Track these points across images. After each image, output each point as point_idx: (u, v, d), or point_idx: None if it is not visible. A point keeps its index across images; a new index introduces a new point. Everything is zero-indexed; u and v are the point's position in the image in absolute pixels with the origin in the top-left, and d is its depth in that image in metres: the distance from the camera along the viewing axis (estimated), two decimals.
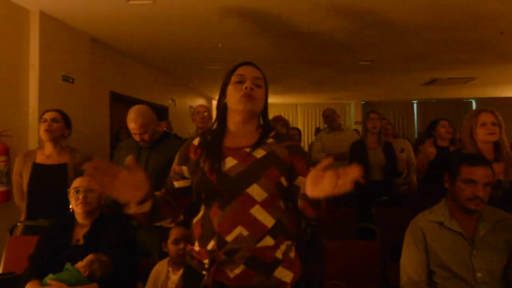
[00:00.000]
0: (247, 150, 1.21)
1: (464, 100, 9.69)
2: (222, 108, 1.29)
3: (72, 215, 1.86)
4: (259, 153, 1.20)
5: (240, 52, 4.51)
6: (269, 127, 1.29)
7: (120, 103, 4.51)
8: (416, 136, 9.45)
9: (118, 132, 4.46)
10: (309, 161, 1.26)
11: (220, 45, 4.27)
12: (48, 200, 2.21)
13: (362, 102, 10.04)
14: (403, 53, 4.77)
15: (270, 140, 1.25)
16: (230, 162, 1.19)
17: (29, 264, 1.73)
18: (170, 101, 6.26)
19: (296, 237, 1.23)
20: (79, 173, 2.13)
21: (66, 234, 1.80)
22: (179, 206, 1.28)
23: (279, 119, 3.48)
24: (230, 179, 1.16)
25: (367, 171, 3.08)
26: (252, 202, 1.15)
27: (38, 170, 2.24)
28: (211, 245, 1.16)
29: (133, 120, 2.23)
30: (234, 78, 1.25)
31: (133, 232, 1.96)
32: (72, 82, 3.53)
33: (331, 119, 4.06)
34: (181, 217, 1.86)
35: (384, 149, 3.19)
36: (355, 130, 5.33)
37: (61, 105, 3.14)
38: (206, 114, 3.22)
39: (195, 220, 1.25)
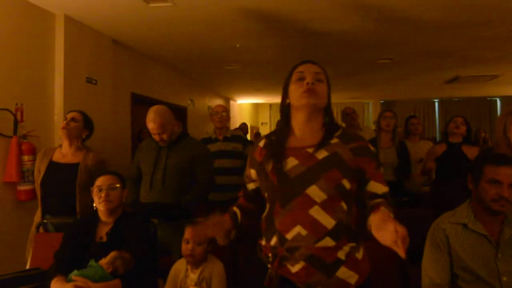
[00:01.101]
0: (310, 150, 1.21)
1: (488, 98, 9.41)
2: (286, 108, 1.30)
3: (95, 213, 1.90)
4: (321, 154, 1.19)
5: (258, 52, 4.53)
6: (334, 125, 1.28)
7: (141, 103, 4.60)
8: (437, 135, 9.24)
9: (141, 131, 4.55)
10: (378, 161, 1.24)
11: (238, 45, 4.30)
12: (57, 198, 2.26)
13: (381, 101, 9.89)
14: (424, 51, 4.68)
15: (334, 140, 1.22)
16: (291, 162, 1.20)
17: (54, 260, 1.78)
18: (188, 102, 6.34)
19: (363, 238, 1.22)
20: (93, 174, 2.18)
21: (90, 232, 1.84)
22: (257, 209, 1.36)
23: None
24: (291, 179, 1.18)
25: None
26: (311, 203, 1.16)
27: (52, 168, 2.29)
28: (273, 241, 1.20)
29: (152, 121, 2.28)
30: (294, 77, 1.26)
31: (153, 230, 2.00)
32: (95, 84, 3.63)
33: (350, 118, 3.98)
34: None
35: (397, 149, 3.10)
36: (375, 130, 5.23)
37: (84, 106, 3.24)
38: (224, 114, 3.24)
39: (262, 216, 1.30)
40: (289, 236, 1.16)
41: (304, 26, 3.66)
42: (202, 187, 2.37)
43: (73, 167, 2.27)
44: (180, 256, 1.97)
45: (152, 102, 4.47)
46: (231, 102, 9.06)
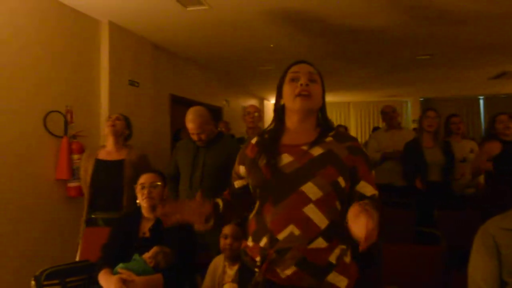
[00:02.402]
0: (304, 148, 1.19)
1: None
2: (280, 108, 1.29)
3: (139, 209, 2.00)
4: (316, 151, 1.18)
5: (292, 51, 4.52)
6: (328, 125, 1.27)
7: (179, 104, 4.74)
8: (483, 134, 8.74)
9: (179, 131, 4.66)
10: (371, 164, 1.23)
11: (272, 45, 4.32)
12: (106, 194, 2.39)
13: (421, 99, 9.50)
14: (467, 45, 4.46)
15: (329, 139, 1.22)
16: (286, 159, 1.18)
17: (102, 253, 1.88)
18: (224, 102, 6.45)
19: (352, 241, 1.20)
20: (137, 168, 2.30)
21: (134, 227, 1.93)
22: (241, 207, 1.34)
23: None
24: (285, 175, 1.15)
25: (425, 172, 2.93)
26: (306, 200, 1.12)
27: (100, 166, 2.43)
28: (263, 242, 1.15)
29: (191, 121, 2.35)
30: (288, 77, 1.25)
31: (192, 226, 2.07)
32: (137, 86, 3.79)
33: (390, 117, 3.85)
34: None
35: (442, 148, 2.99)
36: (416, 129, 5.05)
37: (128, 107, 3.41)
38: (256, 114, 3.27)
39: (250, 216, 1.26)
40: (280, 236, 1.12)
41: (338, 23, 3.61)
42: None
43: (119, 163, 2.41)
44: (218, 253, 2.03)
45: (190, 103, 4.59)
46: (265, 102, 9.08)
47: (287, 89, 1.24)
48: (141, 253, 1.79)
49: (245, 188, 1.32)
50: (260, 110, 3.36)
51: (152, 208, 1.95)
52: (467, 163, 3.19)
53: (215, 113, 5.79)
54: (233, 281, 1.85)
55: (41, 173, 2.80)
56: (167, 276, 1.73)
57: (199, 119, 2.34)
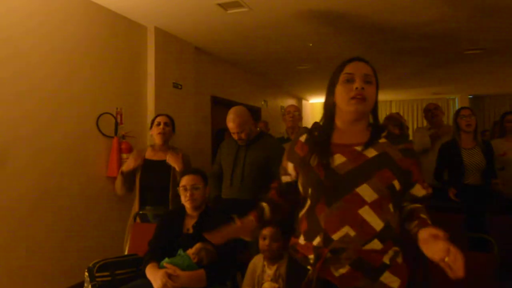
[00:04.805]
0: (358, 148, 1.16)
1: None
2: (331, 106, 1.25)
3: (183, 206, 2.06)
4: (371, 152, 1.15)
5: (331, 50, 4.46)
6: (380, 126, 1.24)
7: (220, 105, 4.84)
8: None
9: (224, 132, 4.72)
10: (421, 164, 1.22)
11: (311, 44, 4.29)
12: (154, 190, 2.51)
13: (470, 96, 8.97)
14: None
15: (382, 140, 1.19)
16: (339, 159, 1.15)
17: (148, 248, 1.97)
18: (262, 102, 6.49)
19: (403, 243, 1.18)
20: (184, 171, 2.39)
21: (179, 224, 2.00)
22: (288, 203, 1.34)
23: (391, 117, 3.31)
24: (340, 176, 1.13)
25: (462, 174, 2.76)
26: (361, 202, 1.10)
27: (148, 165, 2.55)
28: (317, 241, 1.14)
29: (231, 120, 2.39)
30: (342, 77, 1.19)
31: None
32: (181, 88, 3.93)
33: (432, 114, 3.65)
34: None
35: (483, 149, 2.79)
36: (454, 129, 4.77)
37: (172, 109, 3.54)
38: (296, 113, 3.28)
39: (300, 214, 1.24)
40: (335, 236, 1.10)
41: (378, 19, 3.52)
42: None
43: (165, 163, 2.52)
44: (257, 252, 2.06)
45: (230, 103, 4.67)
46: (304, 101, 9.02)
47: (341, 90, 1.19)
48: (185, 249, 1.85)
49: (292, 184, 1.30)
50: (299, 110, 3.37)
51: (195, 208, 2.01)
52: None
53: (254, 114, 5.85)
54: (272, 280, 1.87)
55: (94, 171, 3.00)
56: (209, 272, 1.78)
57: (239, 118, 2.38)
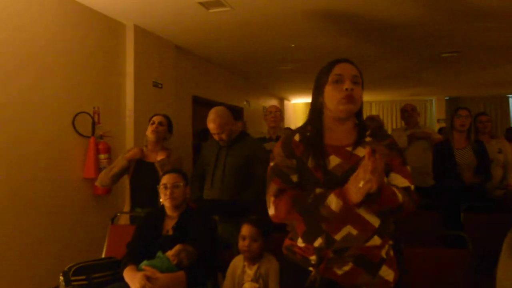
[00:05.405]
0: (349, 148, 1.20)
1: None
2: (319, 106, 1.26)
3: (162, 207, 2.04)
4: (361, 152, 1.18)
5: (312, 50, 4.50)
6: (365, 126, 1.28)
7: (201, 105, 4.81)
8: None
9: (206, 131, 4.66)
10: (405, 159, 1.24)
11: (293, 45, 4.32)
12: (145, 192, 2.45)
13: (447, 98, 9.23)
14: (495, 42, 4.32)
15: (368, 139, 1.23)
16: (334, 161, 1.18)
17: (127, 250, 1.93)
18: (244, 102, 6.49)
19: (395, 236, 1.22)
20: (167, 170, 2.35)
21: (158, 225, 1.97)
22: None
23: (374, 118, 3.39)
24: (338, 178, 1.15)
25: (455, 174, 2.83)
26: None
27: (140, 166, 2.50)
28: (318, 242, 1.15)
29: (212, 121, 2.38)
30: (332, 78, 1.22)
31: (214, 226, 2.10)
32: (161, 87, 3.87)
33: (408, 115, 3.73)
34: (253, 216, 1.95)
35: (474, 148, 2.87)
36: (447, 128, 4.87)
37: (152, 108, 3.49)
38: (278, 113, 3.33)
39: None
40: (338, 236, 1.13)
41: (358, 21, 3.57)
42: (259, 185, 2.43)
43: (156, 165, 2.45)
44: (239, 252, 2.05)
45: (211, 103, 4.63)
46: (286, 102, 9.07)
47: (330, 90, 1.21)
48: (164, 251, 1.82)
49: (299, 183, 1.24)
50: (281, 110, 3.40)
51: (175, 206, 1.99)
52: (495, 164, 3.08)
53: (236, 114, 5.84)
54: (252, 280, 1.86)
55: (70, 172, 2.92)
56: (189, 274, 1.76)
57: (219, 119, 2.37)
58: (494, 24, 3.68)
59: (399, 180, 1.19)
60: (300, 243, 1.20)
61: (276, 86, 7.46)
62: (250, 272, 1.88)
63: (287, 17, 3.43)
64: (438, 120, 8.94)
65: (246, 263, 1.90)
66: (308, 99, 9.81)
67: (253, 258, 1.88)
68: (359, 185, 0.99)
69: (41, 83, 2.70)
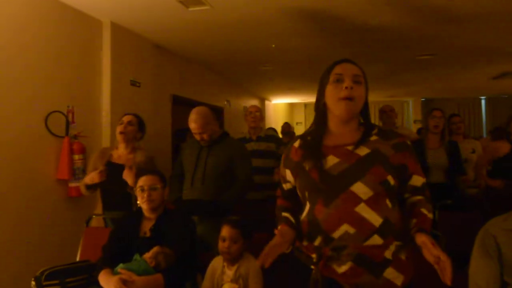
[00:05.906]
0: (349, 148, 1.20)
1: None
2: (322, 108, 1.27)
3: (140, 209, 2.00)
4: (363, 151, 1.18)
5: (293, 51, 4.52)
6: (371, 125, 1.27)
7: (180, 105, 4.74)
8: (485, 135, 8.74)
9: (184, 131, 4.58)
10: (417, 156, 1.26)
11: (274, 45, 4.33)
12: (115, 195, 2.41)
13: (422, 99, 9.50)
14: (468, 45, 4.45)
15: (374, 138, 1.22)
16: (332, 160, 1.19)
17: (102, 253, 1.88)
18: (225, 102, 6.45)
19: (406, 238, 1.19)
20: (141, 171, 2.29)
21: (135, 227, 1.93)
22: (297, 206, 1.34)
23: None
24: (333, 177, 1.16)
25: (426, 173, 2.91)
26: (357, 200, 1.13)
27: (110, 168, 2.44)
28: (318, 241, 1.18)
29: (194, 121, 2.36)
30: (332, 78, 1.23)
31: (193, 226, 2.08)
32: (139, 86, 3.79)
33: (387, 116, 3.83)
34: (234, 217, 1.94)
35: (447, 149, 2.95)
36: (423, 129, 4.99)
37: (129, 107, 3.41)
38: (258, 114, 3.33)
39: (302, 217, 1.27)
40: (335, 235, 1.14)
41: (339, 24, 3.60)
42: (240, 185, 2.41)
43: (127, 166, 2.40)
44: (219, 253, 2.03)
45: (191, 103, 4.59)
46: (266, 102, 9.09)
47: (331, 90, 1.22)
48: (141, 253, 1.79)
49: (293, 190, 1.34)
50: (261, 110, 3.40)
51: (153, 209, 1.95)
52: (469, 164, 3.18)
53: (217, 113, 5.78)
54: (232, 281, 1.85)
55: (42, 173, 2.81)
56: (167, 276, 1.74)
57: (201, 119, 2.35)
58: (466, 28, 3.79)
59: (418, 180, 1.24)
60: (305, 242, 1.24)
61: (257, 86, 7.46)
62: (230, 272, 1.87)
63: (267, 17, 3.43)
64: (415, 121, 9.19)
65: (225, 264, 1.90)
66: (288, 99, 9.93)
67: (233, 260, 1.86)
68: None
69: (11, 82, 2.58)
